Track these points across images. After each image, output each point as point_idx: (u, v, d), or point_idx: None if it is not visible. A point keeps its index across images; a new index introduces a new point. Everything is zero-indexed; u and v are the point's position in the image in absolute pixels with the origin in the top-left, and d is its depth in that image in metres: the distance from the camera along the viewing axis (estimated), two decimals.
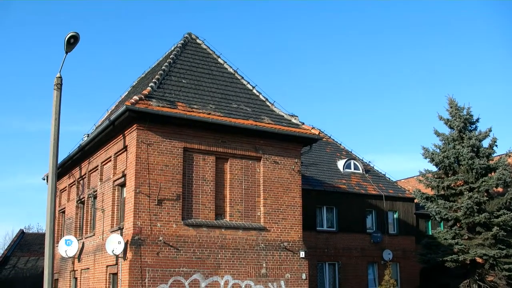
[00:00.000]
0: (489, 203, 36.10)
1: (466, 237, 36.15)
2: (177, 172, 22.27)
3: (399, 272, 39.61)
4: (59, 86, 21.23)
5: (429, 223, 42.70)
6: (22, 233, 50.46)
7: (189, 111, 22.76)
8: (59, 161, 23.34)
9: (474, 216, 35.26)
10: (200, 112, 23.06)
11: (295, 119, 26.05)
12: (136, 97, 21.86)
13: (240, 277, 22.99)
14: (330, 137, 44.04)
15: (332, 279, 37.02)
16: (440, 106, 79.96)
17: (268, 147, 24.54)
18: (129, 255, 21.04)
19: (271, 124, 24.69)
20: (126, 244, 21.26)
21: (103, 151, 25.35)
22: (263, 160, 24.39)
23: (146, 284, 20.99)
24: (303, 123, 25.94)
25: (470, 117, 37.80)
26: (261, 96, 26.57)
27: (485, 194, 36.47)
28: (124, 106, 21.28)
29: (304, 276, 24.51)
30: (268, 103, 26.37)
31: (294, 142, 25.39)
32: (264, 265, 23.61)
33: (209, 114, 23.26)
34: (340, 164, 40.74)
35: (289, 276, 24.15)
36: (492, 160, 37.87)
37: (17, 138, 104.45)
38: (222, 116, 23.51)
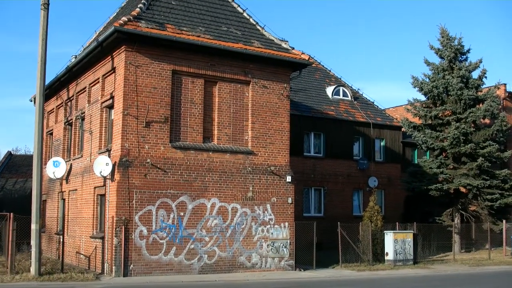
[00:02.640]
0: (475, 134, 36.37)
1: (451, 166, 36.52)
2: (165, 95, 22.19)
3: (383, 199, 40.11)
4: (46, 6, 20.97)
5: (415, 152, 43.02)
6: (9, 155, 50.32)
7: (178, 33, 22.52)
8: (46, 83, 23.25)
9: (460, 146, 35.55)
10: (189, 35, 22.82)
11: (285, 44, 25.85)
12: (125, 18, 21.57)
13: (227, 200, 23.22)
14: (319, 63, 43.81)
15: (317, 204, 37.45)
16: (432, 35, 79.51)
17: (257, 71, 24.42)
18: (116, 176, 21.15)
19: (261, 48, 24.51)
20: (114, 165, 21.35)
21: (91, 73, 25.14)
22: (252, 84, 24.30)
23: (134, 206, 21.18)
24: (293, 48, 25.76)
25: (461, 48, 37.65)
26: (251, 20, 26.28)
27: (472, 125, 36.71)
28: (113, 27, 21.02)
29: (290, 200, 24.78)
30: (258, 27, 26.10)
31: (284, 67, 25.25)
32: (250, 188, 23.82)
33: (199, 36, 23.04)
34: (329, 90, 40.67)
35: (275, 200, 24.41)
36: (481, 91, 37.98)
37: (5, 59, 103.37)
38: (211, 39, 23.29)
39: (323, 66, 43.85)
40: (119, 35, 21.23)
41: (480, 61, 37.44)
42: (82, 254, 24.10)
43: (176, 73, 22.66)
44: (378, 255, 28.61)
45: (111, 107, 23.36)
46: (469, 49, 37.94)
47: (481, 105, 37.29)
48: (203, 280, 21.04)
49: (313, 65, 39.62)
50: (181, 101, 22.75)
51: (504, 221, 35.12)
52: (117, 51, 22.18)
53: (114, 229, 20.89)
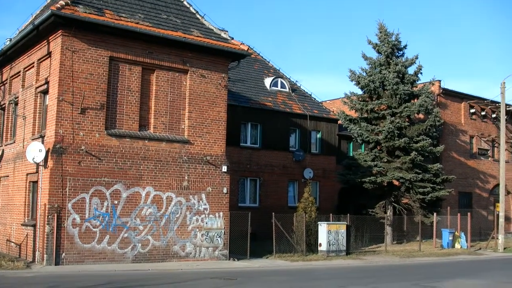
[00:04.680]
0: (409, 129, 37.09)
1: (385, 160, 37.14)
2: (102, 81, 21.92)
3: (318, 190, 40.48)
4: None
5: (351, 144, 43.54)
6: None
7: (116, 19, 22.25)
8: None
9: (394, 140, 36.17)
10: (128, 21, 22.57)
11: (224, 33, 25.83)
12: (62, 2, 21.17)
13: (162, 188, 23.14)
14: (258, 54, 43.84)
15: (253, 195, 37.57)
16: (371, 30, 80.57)
17: (195, 60, 24.35)
18: (50, 163, 20.83)
19: (200, 37, 24.43)
20: (47, 152, 21.01)
21: (26, 57, 24.63)
22: (190, 73, 24.22)
23: (67, 193, 20.91)
24: (232, 38, 25.77)
25: (398, 43, 38.28)
26: (191, 8, 26.14)
27: (407, 119, 37.43)
28: (50, 11, 20.61)
29: (225, 190, 24.85)
30: (198, 16, 25.99)
31: (222, 56, 25.25)
32: (186, 177, 23.78)
33: (137, 23, 22.80)
34: (267, 81, 40.75)
35: (211, 189, 24.44)
36: (416, 87, 38.70)
37: None
38: (150, 27, 23.08)
39: (262, 57, 43.91)
40: (56, 19, 20.84)
41: (416, 57, 38.15)
42: (12, 242, 23.64)
43: (114, 60, 22.39)
44: (312, 246, 28.94)
45: (45, 92, 22.96)
46: (405, 45, 38.64)
47: (416, 100, 38.01)
48: (136, 269, 20.93)
49: (252, 56, 39.64)
50: (117, 88, 22.50)
51: (435, 214, 35.97)
52: (53, 36, 21.79)
53: (46, 217, 20.57)
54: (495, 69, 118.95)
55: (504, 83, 37.75)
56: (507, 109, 41.63)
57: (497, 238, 36.60)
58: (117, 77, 22.53)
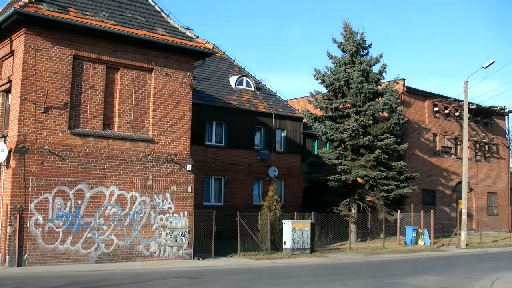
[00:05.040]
0: (374, 127, 37.37)
1: (350, 158, 37.38)
2: (65, 80, 21.73)
3: (283, 188, 40.62)
4: None
5: (316, 143, 43.74)
6: None
7: (81, 18, 22.06)
8: None
9: (358, 138, 36.44)
10: (92, 19, 22.38)
11: (189, 32, 25.77)
12: (25, 0, 20.93)
13: (126, 188, 23.03)
14: (224, 52, 43.85)
15: (218, 193, 37.56)
16: (336, 29, 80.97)
17: (160, 59, 24.27)
18: (12, 163, 20.60)
19: (165, 35, 24.34)
20: (9, 152, 20.77)
21: None
22: (155, 72, 24.13)
23: (30, 193, 20.70)
24: (197, 37, 25.72)
25: (363, 42, 38.56)
26: (156, 7, 26.02)
27: (371, 118, 37.72)
28: (12, 9, 20.36)
29: (189, 189, 24.82)
30: (163, 14, 25.88)
31: (187, 55, 25.18)
32: (150, 177, 23.71)
33: (102, 21, 22.63)
34: (232, 80, 40.77)
35: (175, 188, 24.39)
36: (381, 85, 39.05)
37: None
38: (115, 25, 22.93)
39: (228, 56, 43.94)
40: (19, 17, 20.60)
41: (381, 56, 38.47)
42: None
43: (78, 58, 22.21)
44: (277, 244, 29.03)
45: (8, 91, 22.68)
46: (370, 44, 38.94)
47: (380, 98, 38.31)
48: (100, 269, 20.82)
49: (217, 54, 39.72)
50: (81, 87, 22.32)
51: (398, 211, 36.30)
52: (16, 34, 21.51)
53: (8, 218, 20.33)
54: (459, 68, 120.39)
55: (467, 82, 38.20)
56: (470, 107, 42.19)
57: (460, 235, 37.07)
58: (81, 75, 22.35)
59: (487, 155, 53.73)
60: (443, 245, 37.13)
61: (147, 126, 23.96)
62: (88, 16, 22.45)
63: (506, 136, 56.74)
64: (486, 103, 51.08)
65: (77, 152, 21.86)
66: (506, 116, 56.13)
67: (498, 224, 52.75)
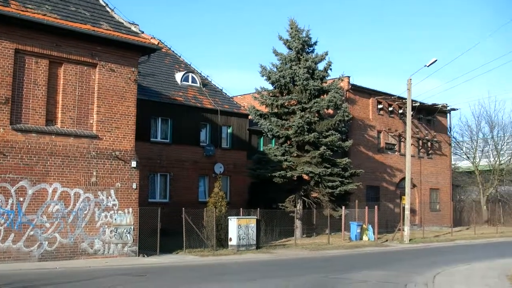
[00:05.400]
0: (319, 124, 37.64)
1: (295, 154, 37.57)
2: (6, 74, 21.23)
3: (229, 185, 40.60)
4: None
5: (261, 139, 43.84)
6: None
7: (23, 11, 21.59)
8: None
9: (304, 135, 36.64)
10: (34, 13, 21.94)
11: (135, 27, 25.49)
12: None
13: (69, 185, 22.65)
14: (169, 48, 43.61)
15: (163, 190, 37.36)
16: (283, 26, 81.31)
17: (105, 54, 23.94)
18: None
19: (110, 30, 24.03)
20: None
21: None
22: (99, 67, 23.79)
23: None
24: (142, 32, 25.45)
25: (309, 40, 38.80)
26: (101, 1, 25.65)
27: (316, 114, 37.97)
28: None
29: (134, 186, 24.58)
30: (108, 9, 25.53)
31: (132, 50, 24.92)
32: (94, 173, 23.38)
33: (45, 15, 22.20)
34: (178, 76, 40.59)
35: (120, 185, 24.12)
36: (326, 82, 39.34)
37: None
38: (58, 19, 22.52)
39: (173, 51, 43.73)
40: None
41: (326, 54, 38.75)
42: None
43: (19, 53, 21.73)
44: (222, 241, 29.01)
45: None
46: (316, 42, 39.24)
47: (325, 95, 38.59)
48: (43, 267, 20.43)
49: (163, 50, 39.44)
50: (23, 81, 21.86)
51: (343, 207, 36.66)
52: None
53: None
54: (403, 66, 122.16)
55: (411, 79, 38.81)
56: (413, 105, 42.77)
57: (403, 230, 37.66)
58: (23, 70, 21.88)
59: (430, 152, 54.65)
60: (387, 240, 37.64)
61: (91, 122, 23.61)
62: (31, 9, 22.00)
63: (448, 133, 57.85)
64: (429, 101, 51.96)
65: (19, 148, 21.40)
66: (448, 114, 57.27)
67: (440, 219, 53.76)
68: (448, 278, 19.73)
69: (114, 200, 23.93)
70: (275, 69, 38.61)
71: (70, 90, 23.07)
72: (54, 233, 22.14)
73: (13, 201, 21.14)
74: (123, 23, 25.24)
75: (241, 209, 31.02)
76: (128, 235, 24.22)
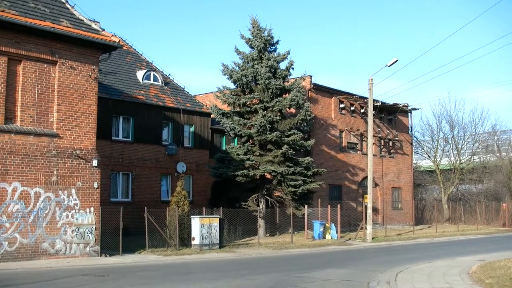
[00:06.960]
0: (281, 123, 37.68)
1: (258, 153, 37.55)
2: None
3: (192, 184, 40.42)
4: None
5: (224, 138, 43.69)
6: None
7: None
8: None
9: (266, 134, 36.64)
10: None
11: (95, 24, 25.18)
12: None
13: (30, 184, 22.28)
14: (131, 46, 43.28)
15: (125, 189, 37.02)
16: (244, 25, 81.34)
17: (65, 52, 23.60)
18: None
19: (70, 27, 23.69)
20: None
21: None
22: (59, 65, 23.44)
23: None
24: (103, 30, 25.16)
25: (271, 39, 38.82)
26: None
27: (278, 113, 38.00)
28: None
29: (96, 185, 24.29)
30: (68, 6, 25.18)
31: (93, 48, 24.60)
32: (55, 172, 23.04)
33: (3, 11, 21.80)
34: (140, 74, 40.28)
35: (81, 184, 23.80)
36: (288, 82, 39.43)
37: None
38: (16, 15, 22.13)
39: (135, 49, 43.41)
40: None
41: (288, 53, 38.80)
42: None
43: None
44: (185, 240, 28.84)
45: None
46: (278, 41, 39.26)
47: (287, 95, 38.66)
48: (3, 268, 20.05)
49: (124, 48, 39.13)
50: None
51: (306, 206, 36.71)
52: None
53: None
54: (364, 65, 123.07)
55: (372, 79, 39.00)
56: (375, 104, 43.08)
57: (366, 229, 37.84)
58: None
59: (392, 151, 55.07)
60: (349, 239, 37.80)
61: (51, 120, 23.25)
62: None
63: (410, 132, 58.38)
64: (390, 101, 52.41)
65: None
66: (409, 114, 57.84)
67: (402, 218, 54.23)
68: (410, 276, 19.80)
69: (75, 200, 23.61)
70: (237, 68, 38.55)
71: (29, 88, 22.69)
72: (14, 233, 21.75)
73: None
74: (83, 21, 24.92)
75: (204, 208, 30.87)
76: (90, 234, 23.91)
